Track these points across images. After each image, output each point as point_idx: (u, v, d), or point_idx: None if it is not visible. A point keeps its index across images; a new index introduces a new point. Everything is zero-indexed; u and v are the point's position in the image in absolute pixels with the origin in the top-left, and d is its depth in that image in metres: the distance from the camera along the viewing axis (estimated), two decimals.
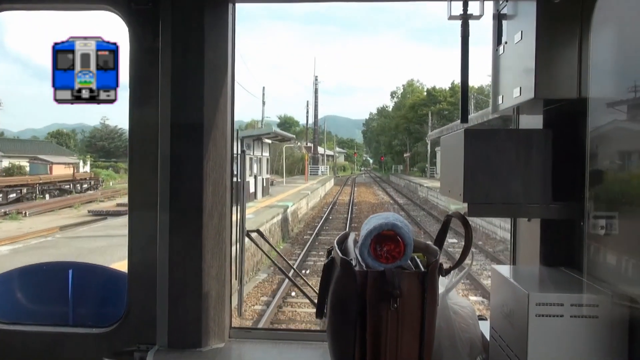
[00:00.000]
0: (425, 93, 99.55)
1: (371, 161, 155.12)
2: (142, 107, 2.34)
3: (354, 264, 1.66)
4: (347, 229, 15.91)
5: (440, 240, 1.99)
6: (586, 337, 1.55)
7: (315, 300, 1.89)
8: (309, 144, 73.31)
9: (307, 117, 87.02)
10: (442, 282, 1.90)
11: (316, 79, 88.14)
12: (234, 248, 2.40)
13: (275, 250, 2.56)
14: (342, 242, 1.91)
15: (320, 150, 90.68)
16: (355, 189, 53.14)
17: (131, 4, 2.27)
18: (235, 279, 2.42)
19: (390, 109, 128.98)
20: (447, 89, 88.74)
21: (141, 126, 2.35)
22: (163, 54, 2.26)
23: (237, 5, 2.41)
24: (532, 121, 2.12)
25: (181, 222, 2.28)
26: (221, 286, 2.34)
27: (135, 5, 2.27)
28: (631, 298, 1.53)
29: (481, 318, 2.08)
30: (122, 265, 2.48)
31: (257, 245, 2.49)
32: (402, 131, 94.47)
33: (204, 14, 2.28)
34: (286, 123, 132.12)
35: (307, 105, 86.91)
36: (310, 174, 68.80)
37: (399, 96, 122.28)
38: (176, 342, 2.27)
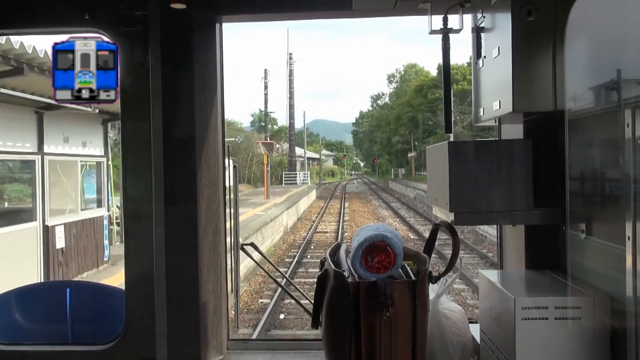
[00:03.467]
0: (435, 73, 74.14)
1: (362, 164, 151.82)
2: (134, 125, 2.39)
3: (346, 275, 1.72)
4: None
5: (429, 248, 2.06)
6: (570, 338, 1.62)
7: (309, 308, 1.94)
8: (270, 140, 46.58)
9: (266, 95, 57.17)
10: (433, 289, 1.96)
11: (290, 57, 63.14)
12: (229, 261, 2.45)
13: (269, 261, 2.62)
14: (335, 253, 1.97)
15: (300, 151, 70.31)
16: (346, 205, 35.40)
17: (120, 26, 2.33)
18: (232, 292, 2.47)
19: (387, 98, 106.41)
20: (465, 64, 60.73)
21: (134, 143, 2.40)
22: (153, 74, 2.31)
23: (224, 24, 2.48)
24: (514, 129, 2.19)
25: (177, 238, 2.33)
26: (218, 299, 2.38)
27: (124, 28, 2.32)
28: (611, 299, 1.60)
29: (472, 321, 2.14)
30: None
31: (251, 257, 2.55)
32: (406, 123, 72.94)
33: (192, 34, 2.33)
34: (261, 121, 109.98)
35: (265, 76, 57.64)
36: (286, 183, 51.62)
37: (398, 81, 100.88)
38: (176, 356, 2.31)
